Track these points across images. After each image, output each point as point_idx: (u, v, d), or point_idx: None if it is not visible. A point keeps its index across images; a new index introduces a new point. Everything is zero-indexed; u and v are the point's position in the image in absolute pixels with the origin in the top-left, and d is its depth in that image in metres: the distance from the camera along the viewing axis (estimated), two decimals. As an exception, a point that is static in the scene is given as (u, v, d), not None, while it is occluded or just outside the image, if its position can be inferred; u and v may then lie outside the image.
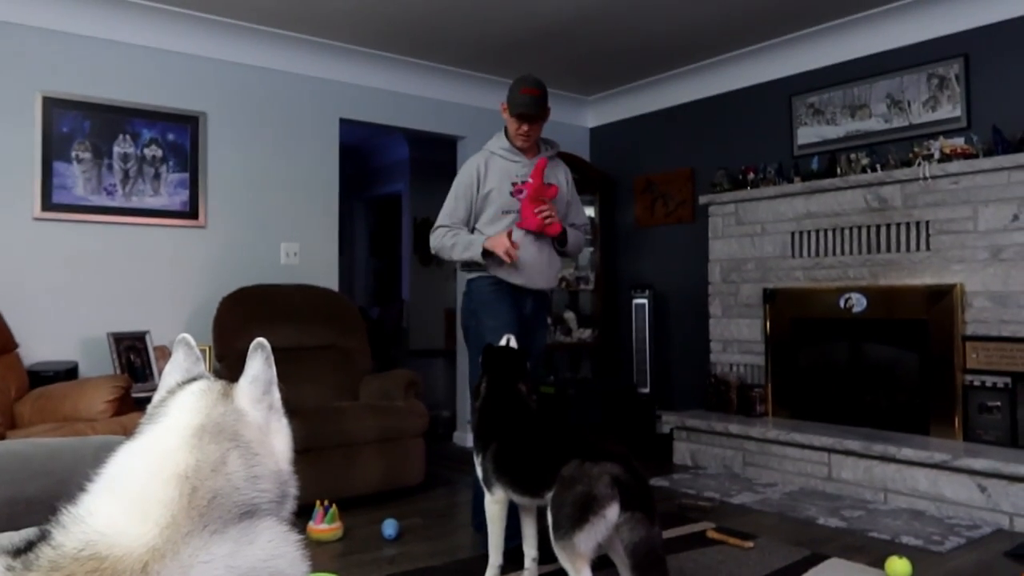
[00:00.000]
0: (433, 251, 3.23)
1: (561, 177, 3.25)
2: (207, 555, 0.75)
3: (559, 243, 3.20)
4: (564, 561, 2.16)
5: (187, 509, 0.76)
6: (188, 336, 0.97)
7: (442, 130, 5.30)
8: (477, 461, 2.67)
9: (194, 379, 0.92)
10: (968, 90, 4.01)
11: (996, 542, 3.10)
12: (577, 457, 2.20)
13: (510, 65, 5.08)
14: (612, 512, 2.06)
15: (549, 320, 5.57)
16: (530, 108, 3.03)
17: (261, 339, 0.91)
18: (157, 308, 4.12)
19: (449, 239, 3.12)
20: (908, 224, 4.03)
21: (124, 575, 0.71)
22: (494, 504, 2.63)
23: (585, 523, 2.07)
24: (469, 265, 3.14)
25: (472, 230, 3.16)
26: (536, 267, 3.12)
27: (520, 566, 2.69)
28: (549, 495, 2.25)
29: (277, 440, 0.90)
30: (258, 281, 4.32)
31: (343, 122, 4.88)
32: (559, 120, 5.90)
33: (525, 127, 3.06)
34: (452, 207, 3.17)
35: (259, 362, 0.90)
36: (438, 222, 3.19)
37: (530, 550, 2.69)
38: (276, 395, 0.93)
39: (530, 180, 3.03)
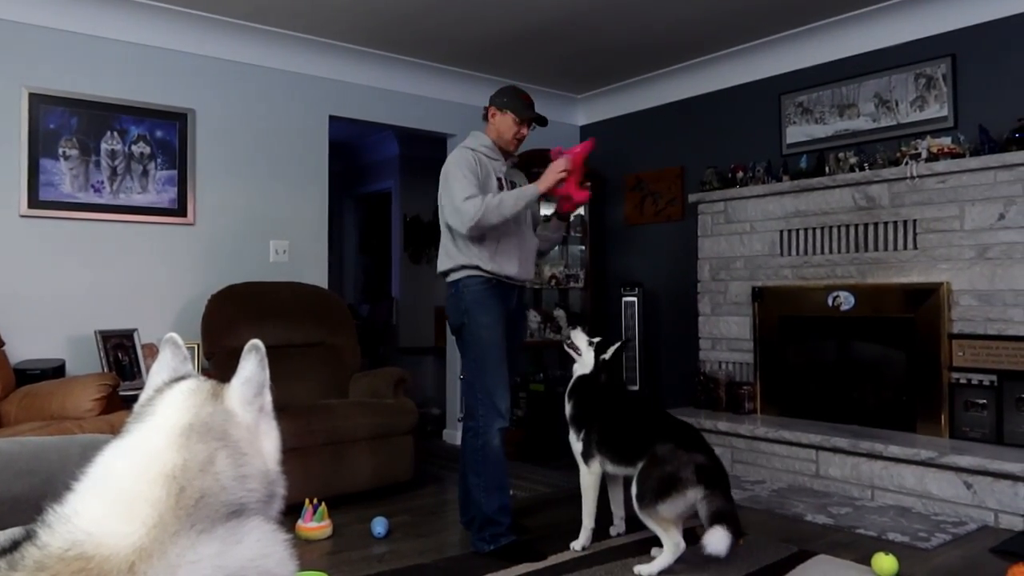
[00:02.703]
0: (472, 220, 2.95)
1: (522, 183, 3.33)
2: (194, 555, 0.74)
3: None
4: (650, 524, 2.71)
5: (174, 509, 0.76)
6: (175, 335, 0.96)
7: (432, 128, 5.29)
8: (576, 438, 3.08)
9: (182, 378, 0.92)
10: (955, 90, 4.03)
11: (982, 538, 3.13)
12: (672, 441, 2.75)
13: (500, 63, 5.08)
14: (693, 493, 2.63)
15: (540, 317, 5.59)
16: (537, 113, 3.25)
17: (256, 341, 0.90)
18: (145, 306, 4.10)
19: (492, 199, 2.97)
20: (895, 223, 4.06)
21: (111, 575, 0.71)
22: (590, 476, 3.03)
23: (668, 497, 2.64)
24: (458, 268, 3.12)
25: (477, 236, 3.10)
26: (527, 258, 3.22)
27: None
28: (640, 464, 2.76)
29: (266, 441, 0.90)
30: (247, 278, 4.30)
31: (332, 119, 4.86)
32: (549, 118, 5.90)
33: (524, 131, 3.23)
34: (466, 183, 3.03)
35: (253, 364, 0.90)
36: (464, 195, 3.00)
37: (618, 510, 3.21)
38: (268, 397, 0.92)
39: (576, 150, 3.09)
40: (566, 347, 3.31)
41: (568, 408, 3.17)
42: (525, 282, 3.27)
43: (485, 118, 3.28)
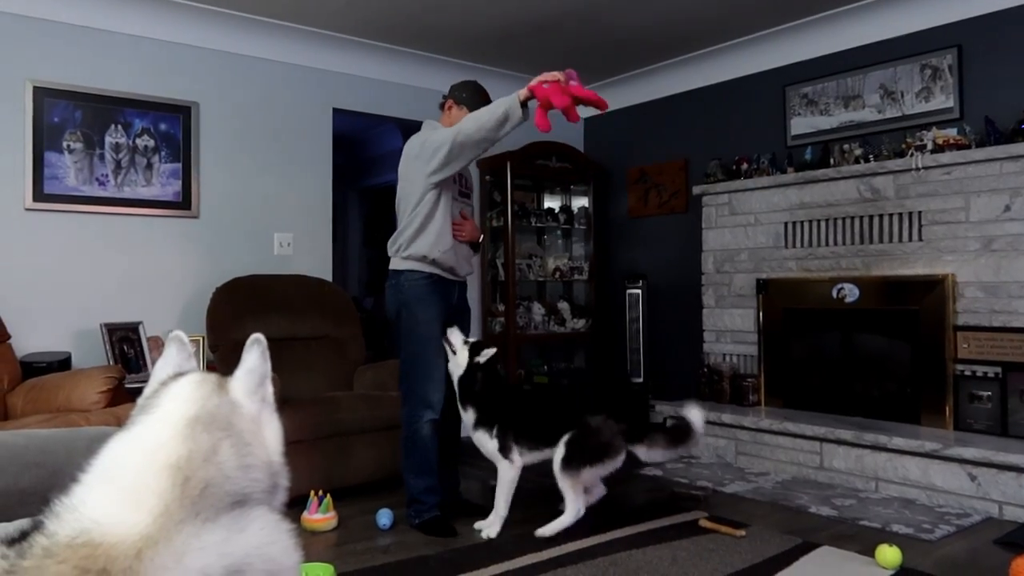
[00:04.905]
0: (453, 135, 3.00)
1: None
2: (199, 542, 0.76)
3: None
4: (564, 486, 2.96)
5: (180, 498, 0.77)
6: (181, 333, 0.99)
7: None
8: (488, 437, 3.13)
9: (185, 374, 0.93)
10: (961, 81, 4.01)
11: (986, 530, 3.13)
12: (602, 412, 3.06)
13: (504, 56, 5.07)
14: (621, 458, 3.00)
15: (544, 310, 5.59)
16: None
17: (258, 335, 0.93)
18: (150, 299, 4.11)
19: (472, 117, 2.96)
20: (900, 215, 4.05)
21: (118, 561, 0.72)
22: (512, 470, 3.10)
23: (599, 462, 2.96)
24: (405, 257, 3.19)
25: (429, 215, 3.15)
26: (465, 255, 3.30)
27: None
28: (566, 436, 3.00)
29: (268, 432, 0.92)
30: (251, 271, 4.31)
31: (336, 112, 4.86)
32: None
33: None
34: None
35: (256, 355, 0.92)
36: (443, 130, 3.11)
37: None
38: (269, 388, 0.95)
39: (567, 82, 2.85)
40: (444, 343, 3.29)
41: (470, 414, 3.18)
42: (465, 278, 3.36)
43: (442, 108, 3.30)
